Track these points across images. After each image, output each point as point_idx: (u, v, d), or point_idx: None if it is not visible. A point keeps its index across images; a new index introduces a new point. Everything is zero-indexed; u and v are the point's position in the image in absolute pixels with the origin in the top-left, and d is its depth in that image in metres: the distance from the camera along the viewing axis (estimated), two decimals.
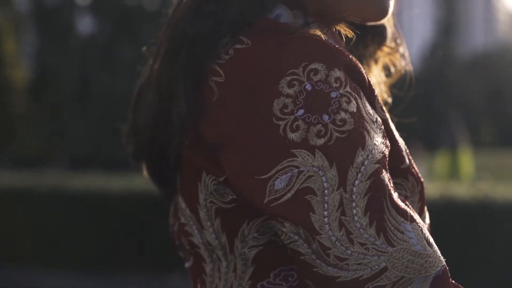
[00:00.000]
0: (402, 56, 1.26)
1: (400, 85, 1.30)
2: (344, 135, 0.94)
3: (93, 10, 24.28)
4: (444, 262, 0.96)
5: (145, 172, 1.20)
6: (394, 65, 1.26)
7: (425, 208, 1.07)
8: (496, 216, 7.23)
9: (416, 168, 1.06)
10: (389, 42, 1.24)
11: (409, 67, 1.27)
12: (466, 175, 8.43)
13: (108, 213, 8.31)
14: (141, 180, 8.73)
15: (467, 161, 8.32)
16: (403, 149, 1.04)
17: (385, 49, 1.24)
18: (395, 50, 1.25)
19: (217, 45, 1.02)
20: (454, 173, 9.89)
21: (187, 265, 1.13)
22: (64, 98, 22.64)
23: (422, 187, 1.06)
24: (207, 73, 1.01)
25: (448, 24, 35.28)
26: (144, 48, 1.21)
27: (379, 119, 0.99)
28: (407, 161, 1.04)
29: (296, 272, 1.04)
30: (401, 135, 1.05)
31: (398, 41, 1.25)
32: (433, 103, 27.41)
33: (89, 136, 21.31)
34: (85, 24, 25.38)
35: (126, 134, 1.20)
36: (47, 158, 21.40)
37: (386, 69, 1.27)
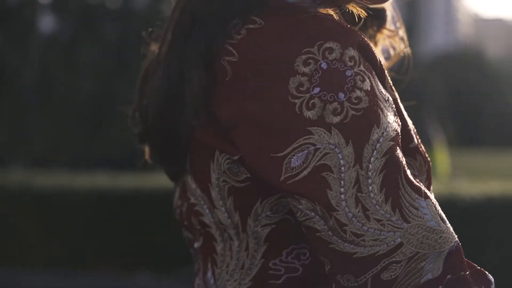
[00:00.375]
0: (401, 39, 1.27)
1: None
2: (359, 113, 0.95)
3: (54, 9, 24.05)
4: (457, 239, 0.97)
5: (148, 156, 1.19)
6: (394, 48, 1.27)
7: (431, 188, 1.08)
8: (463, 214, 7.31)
9: (423, 147, 1.07)
10: (388, 25, 1.24)
11: (408, 51, 1.28)
12: (443, 173, 8.47)
13: (73, 211, 8.27)
14: (106, 178, 8.73)
15: (442, 158, 8.37)
16: (412, 129, 1.06)
17: (385, 31, 1.25)
18: (394, 33, 1.25)
19: (228, 25, 1.02)
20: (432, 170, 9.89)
21: (196, 245, 1.13)
22: (25, 97, 22.46)
23: (429, 167, 1.08)
24: (219, 53, 1.01)
25: (409, 25, 35.62)
26: (148, 31, 1.21)
27: (390, 98, 1.00)
28: (415, 140, 1.06)
29: (308, 250, 1.05)
30: None
31: (398, 24, 1.26)
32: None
33: (50, 135, 21.12)
34: (46, 23, 25.14)
35: (131, 116, 1.20)
36: (8, 157, 21.22)
37: (385, 51, 1.28)
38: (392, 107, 0.99)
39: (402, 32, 1.26)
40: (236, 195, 1.04)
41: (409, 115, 1.06)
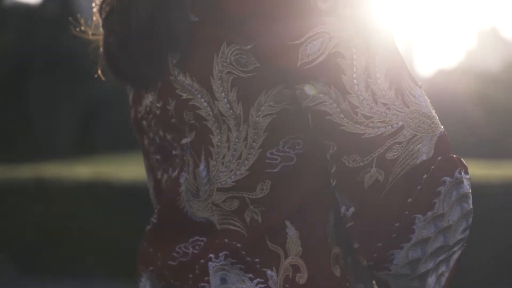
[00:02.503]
0: None
1: None
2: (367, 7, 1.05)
3: None
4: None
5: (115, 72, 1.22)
6: None
7: None
8: None
9: None
10: None
11: None
12: None
13: None
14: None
15: None
16: None
17: None
18: None
19: None
20: None
21: (185, 141, 1.15)
22: None
23: None
24: None
25: None
26: None
27: None
28: None
29: (302, 140, 1.11)
30: None
31: None
32: None
33: None
34: None
35: (110, 24, 1.22)
36: None
37: None
38: None
39: None
40: (240, 86, 1.08)
41: None
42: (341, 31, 1.04)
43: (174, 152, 1.19)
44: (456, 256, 1.17)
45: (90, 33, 1.36)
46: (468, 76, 25.82)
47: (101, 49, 1.31)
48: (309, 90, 1.06)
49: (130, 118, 1.30)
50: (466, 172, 1.09)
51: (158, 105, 1.17)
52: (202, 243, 1.15)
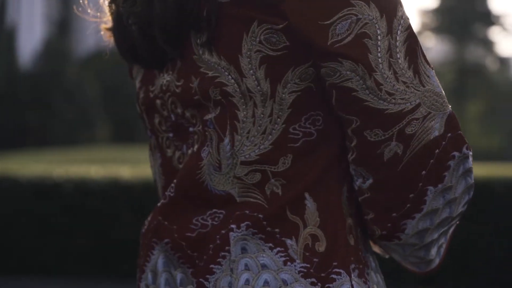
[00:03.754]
0: None
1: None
2: None
3: None
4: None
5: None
6: None
7: None
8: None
9: None
10: None
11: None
12: None
13: None
14: None
15: None
16: None
17: None
18: None
19: None
20: None
21: (208, 117, 1.20)
22: None
23: None
24: None
25: (62, 22, 35.39)
26: None
27: None
28: None
29: (322, 117, 1.19)
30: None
31: None
32: (50, 99, 27.26)
33: None
34: None
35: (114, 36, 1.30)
36: None
37: None
38: None
39: None
40: (269, 63, 1.15)
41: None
42: (367, 14, 1.12)
43: (191, 129, 1.24)
44: (452, 229, 1.26)
45: (90, 13, 1.39)
46: None
47: (109, 30, 1.35)
48: (337, 67, 1.13)
49: (138, 99, 1.33)
50: (470, 149, 1.18)
51: (178, 83, 1.22)
52: (221, 215, 1.20)
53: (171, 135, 1.29)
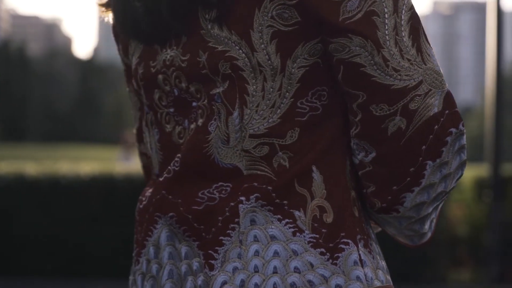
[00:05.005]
0: None
1: None
2: None
3: None
4: None
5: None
6: None
7: None
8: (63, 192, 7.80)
9: None
10: None
11: None
12: None
13: None
14: None
15: None
16: None
17: None
18: None
19: None
20: None
21: (215, 91, 1.23)
22: None
23: None
24: None
25: None
26: None
27: None
28: None
29: (327, 92, 1.24)
30: None
31: None
32: None
33: None
34: None
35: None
36: None
37: None
38: None
39: None
40: (280, 38, 1.19)
41: None
42: None
43: (194, 104, 1.26)
44: (441, 205, 1.33)
45: None
46: None
47: (104, 6, 1.35)
48: (346, 43, 1.18)
49: (137, 74, 1.34)
50: (464, 126, 1.24)
51: (184, 58, 1.24)
52: (228, 188, 1.22)
53: (171, 110, 1.30)
